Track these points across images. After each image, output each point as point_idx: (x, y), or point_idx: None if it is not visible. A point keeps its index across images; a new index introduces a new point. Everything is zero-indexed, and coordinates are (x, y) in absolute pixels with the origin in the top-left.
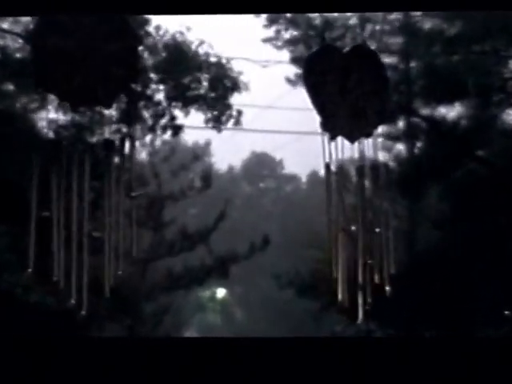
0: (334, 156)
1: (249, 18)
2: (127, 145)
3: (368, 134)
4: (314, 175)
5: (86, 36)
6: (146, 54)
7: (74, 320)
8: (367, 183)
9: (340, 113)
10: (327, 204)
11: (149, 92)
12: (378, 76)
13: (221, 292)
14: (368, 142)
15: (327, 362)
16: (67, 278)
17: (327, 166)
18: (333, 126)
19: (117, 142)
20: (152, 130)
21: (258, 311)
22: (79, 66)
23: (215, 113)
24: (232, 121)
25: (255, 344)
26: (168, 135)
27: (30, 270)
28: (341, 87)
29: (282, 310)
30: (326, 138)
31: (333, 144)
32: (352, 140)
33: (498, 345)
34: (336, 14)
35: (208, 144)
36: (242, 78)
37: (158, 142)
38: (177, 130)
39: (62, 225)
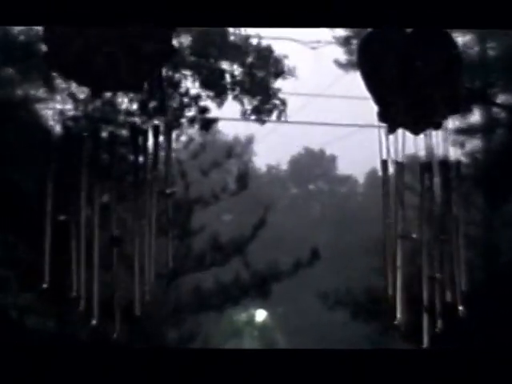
0: (394, 152)
1: None
2: (161, 135)
3: (436, 125)
4: (372, 176)
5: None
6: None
7: (82, 347)
8: (435, 183)
9: (401, 100)
10: (384, 206)
11: (176, 78)
12: (448, 55)
13: (260, 314)
14: (436, 135)
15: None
16: (87, 294)
17: (384, 163)
18: (393, 115)
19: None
20: (177, 123)
21: (304, 337)
22: (101, 44)
23: (255, 103)
24: (275, 112)
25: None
26: (196, 130)
27: (45, 285)
28: (403, 69)
29: (334, 336)
30: (385, 130)
31: (393, 138)
32: (416, 132)
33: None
34: None
35: (248, 139)
36: (288, 62)
37: (186, 136)
38: (208, 123)
39: (82, 229)
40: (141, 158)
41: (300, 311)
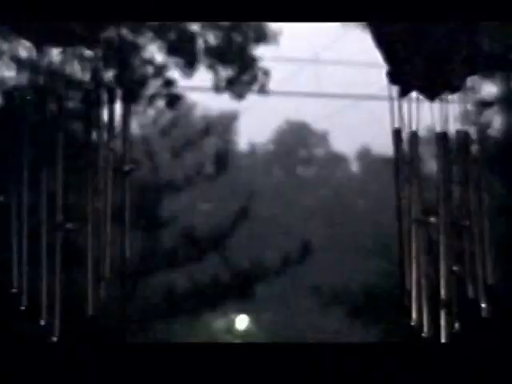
0: (407, 122)
1: None
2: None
3: (455, 88)
4: (369, 157)
5: None
6: None
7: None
8: (453, 158)
9: (415, 58)
10: (396, 187)
11: (138, 41)
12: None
13: (242, 321)
14: (455, 99)
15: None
16: (31, 292)
17: (397, 134)
18: (405, 76)
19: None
20: (136, 97)
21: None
22: None
23: (233, 73)
24: (257, 83)
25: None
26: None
27: None
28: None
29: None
30: (396, 94)
31: (406, 105)
32: (432, 96)
33: None
34: None
35: (231, 114)
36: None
37: (154, 110)
38: (174, 99)
39: (24, 214)
40: (95, 132)
41: (290, 317)
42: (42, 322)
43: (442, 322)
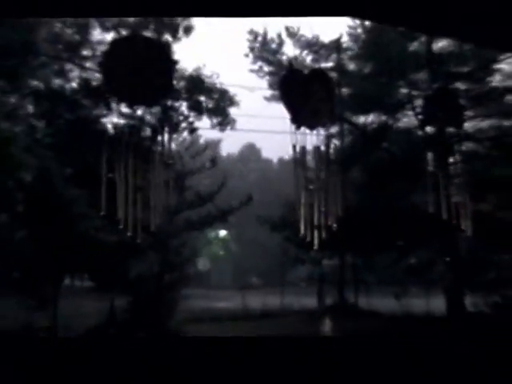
0: (299, 142)
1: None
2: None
3: (323, 124)
4: (289, 161)
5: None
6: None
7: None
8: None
9: (304, 111)
10: (294, 171)
11: (177, 105)
12: (327, 88)
13: (222, 232)
14: (320, 134)
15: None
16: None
17: (294, 147)
18: (299, 120)
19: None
20: (176, 129)
21: (247, 245)
22: (136, 77)
23: (219, 119)
24: (229, 125)
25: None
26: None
27: (102, 213)
28: (305, 96)
29: (263, 244)
30: (294, 129)
31: (299, 135)
32: (312, 128)
33: None
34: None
35: (216, 140)
36: (237, 99)
37: (180, 138)
38: (193, 130)
39: (123, 182)
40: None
41: (245, 231)
42: (129, 233)
43: (315, 235)
